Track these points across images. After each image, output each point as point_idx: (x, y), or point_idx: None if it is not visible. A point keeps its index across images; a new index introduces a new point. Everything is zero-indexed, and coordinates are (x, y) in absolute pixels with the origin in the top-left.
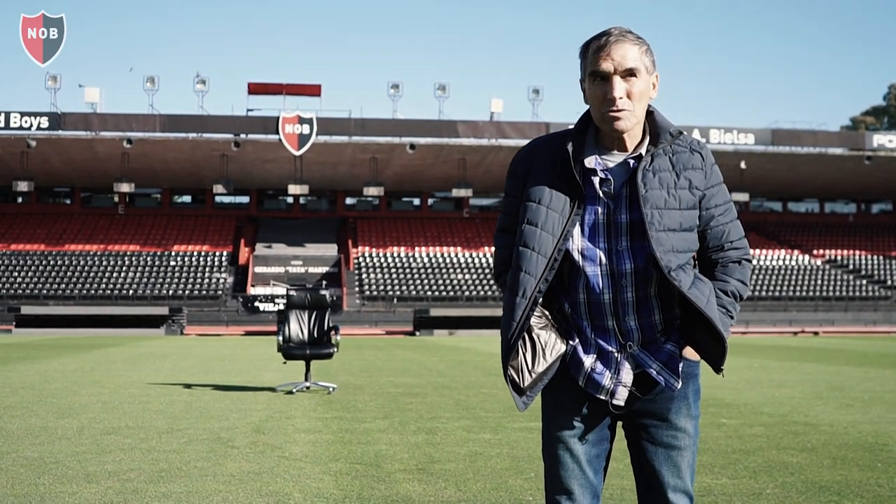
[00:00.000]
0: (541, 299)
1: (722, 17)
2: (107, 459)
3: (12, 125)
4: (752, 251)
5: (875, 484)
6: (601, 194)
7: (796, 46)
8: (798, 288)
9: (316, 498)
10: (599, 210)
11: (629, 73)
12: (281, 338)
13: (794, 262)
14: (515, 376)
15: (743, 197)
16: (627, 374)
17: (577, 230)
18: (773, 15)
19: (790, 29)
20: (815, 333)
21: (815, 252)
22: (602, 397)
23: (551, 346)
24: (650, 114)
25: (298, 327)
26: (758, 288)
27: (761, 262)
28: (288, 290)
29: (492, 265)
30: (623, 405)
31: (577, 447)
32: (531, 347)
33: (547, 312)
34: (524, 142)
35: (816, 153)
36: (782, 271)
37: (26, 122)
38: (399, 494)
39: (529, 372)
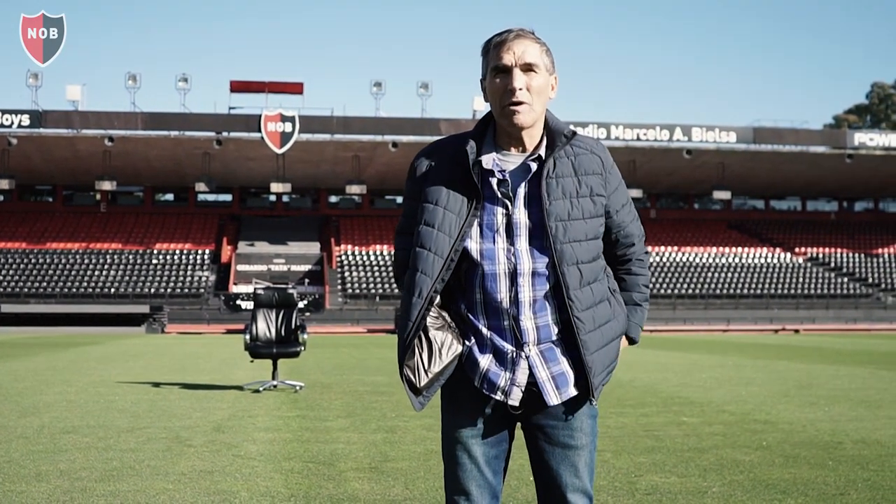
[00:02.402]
0: (437, 299)
1: (704, 16)
2: (61, 458)
3: None
4: (734, 249)
5: (822, 482)
6: (499, 195)
7: (779, 45)
8: (779, 286)
9: (262, 497)
10: (498, 210)
11: (528, 68)
12: (248, 336)
13: (775, 260)
14: (411, 376)
15: (725, 195)
16: (522, 375)
17: (475, 230)
18: (756, 13)
19: (773, 27)
20: (796, 331)
21: (796, 250)
22: (497, 397)
23: (448, 345)
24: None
25: (266, 326)
26: (739, 286)
27: (743, 260)
28: (255, 289)
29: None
30: (518, 406)
31: (475, 448)
32: (427, 347)
33: (445, 313)
34: None
35: (798, 151)
36: (764, 269)
37: (7, 119)
38: (346, 493)
39: (426, 372)
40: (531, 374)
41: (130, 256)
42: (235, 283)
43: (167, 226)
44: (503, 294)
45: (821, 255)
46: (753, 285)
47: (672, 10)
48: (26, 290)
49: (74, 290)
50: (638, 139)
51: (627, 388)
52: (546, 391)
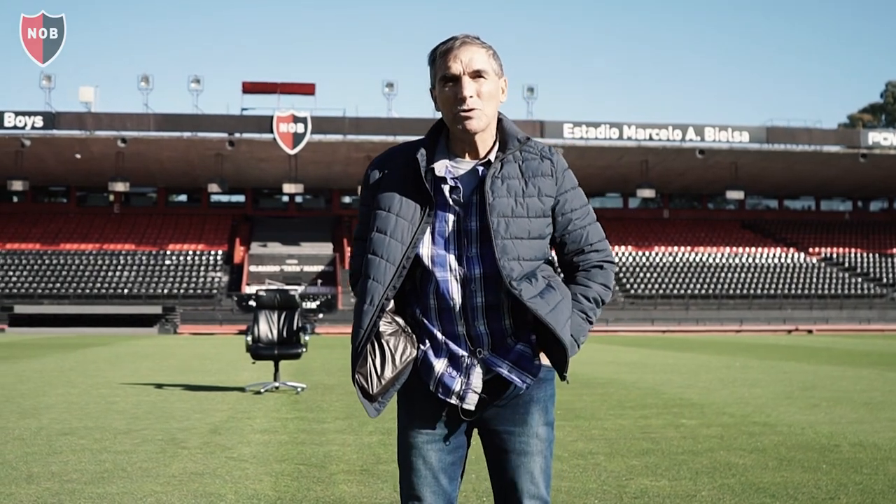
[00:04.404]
0: (390, 306)
1: (716, 15)
2: (54, 460)
3: (6, 125)
4: (747, 249)
5: (813, 486)
6: (451, 202)
7: (793, 44)
8: (793, 286)
9: (249, 499)
10: (450, 217)
11: (477, 74)
12: (250, 338)
13: (789, 260)
14: (364, 383)
15: (738, 195)
16: (478, 379)
17: (427, 237)
18: (769, 12)
19: (786, 26)
20: (809, 332)
21: (810, 250)
22: (452, 402)
23: (401, 351)
24: (499, 121)
25: (267, 327)
26: (753, 286)
27: (756, 260)
28: (257, 291)
29: None
30: (473, 410)
31: (432, 454)
32: (380, 354)
33: (399, 319)
34: None
35: (812, 151)
36: (778, 269)
37: (20, 121)
38: (334, 496)
39: (379, 378)
40: (492, 373)
41: (143, 257)
42: (248, 284)
43: (180, 227)
44: (456, 300)
45: (835, 255)
46: (767, 285)
47: (685, 10)
48: (40, 290)
49: (88, 290)
50: (650, 139)
51: (630, 389)
52: (514, 379)
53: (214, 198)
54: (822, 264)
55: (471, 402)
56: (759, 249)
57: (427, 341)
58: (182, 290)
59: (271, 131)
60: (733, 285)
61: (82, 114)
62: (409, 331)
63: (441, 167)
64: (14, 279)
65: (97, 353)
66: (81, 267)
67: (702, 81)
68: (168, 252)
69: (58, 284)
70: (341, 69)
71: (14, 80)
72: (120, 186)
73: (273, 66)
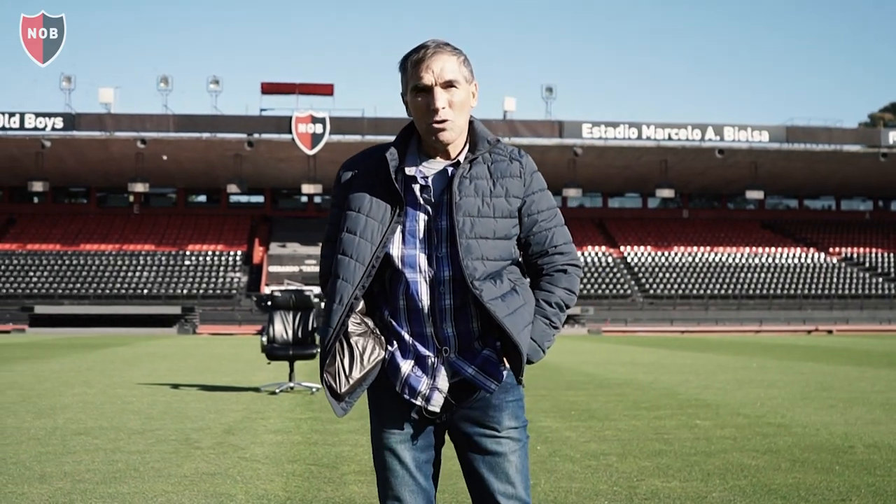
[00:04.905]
0: (359, 306)
1: (737, 14)
2: (67, 460)
3: (27, 126)
4: (767, 249)
5: (825, 487)
6: (422, 202)
7: (813, 43)
8: (813, 286)
9: (259, 499)
10: (420, 217)
11: (449, 85)
12: (265, 338)
13: (809, 260)
14: (332, 382)
15: (758, 195)
16: (443, 381)
17: (397, 237)
18: (790, 11)
19: (807, 26)
20: (829, 332)
21: (830, 250)
22: (417, 402)
23: (369, 352)
24: (470, 123)
25: (283, 328)
26: (772, 286)
27: (776, 260)
28: (273, 291)
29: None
30: (439, 412)
31: (406, 453)
32: (349, 354)
33: (367, 320)
34: (538, 140)
35: (832, 150)
36: (797, 269)
37: (41, 122)
38: (343, 496)
39: (347, 378)
40: (458, 376)
41: (163, 258)
42: (267, 285)
43: (199, 227)
44: (425, 301)
45: (855, 255)
46: (787, 285)
47: (705, 9)
48: (60, 291)
49: (107, 291)
50: (669, 139)
51: (646, 390)
52: (480, 382)
53: (233, 198)
54: (843, 264)
55: (436, 404)
56: (779, 249)
57: (395, 342)
58: (201, 291)
59: (290, 132)
60: (753, 285)
61: (102, 115)
62: (378, 332)
63: (412, 167)
64: (34, 280)
65: (116, 354)
66: (101, 267)
67: (721, 81)
68: (187, 252)
69: (78, 285)
70: (360, 69)
71: (34, 82)
72: (139, 187)
73: (291, 66)
